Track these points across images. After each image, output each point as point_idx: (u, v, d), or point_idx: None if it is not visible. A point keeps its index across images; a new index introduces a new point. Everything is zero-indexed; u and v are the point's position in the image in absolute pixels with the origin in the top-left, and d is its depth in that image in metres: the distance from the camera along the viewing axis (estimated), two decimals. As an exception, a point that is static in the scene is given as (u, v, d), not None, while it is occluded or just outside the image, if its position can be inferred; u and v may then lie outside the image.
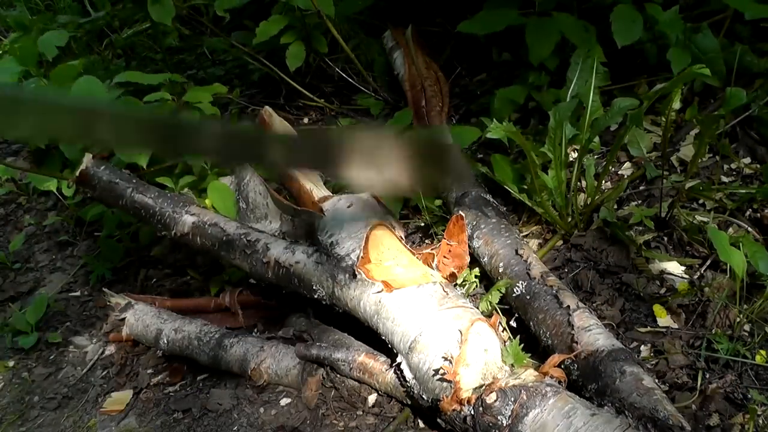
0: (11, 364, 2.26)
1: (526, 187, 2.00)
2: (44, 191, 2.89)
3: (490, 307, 1.70)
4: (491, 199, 1.99)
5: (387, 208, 1.92)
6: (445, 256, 1.76)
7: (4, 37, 3.70)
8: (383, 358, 1.68)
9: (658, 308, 1.69)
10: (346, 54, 2.75)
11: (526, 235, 2.02)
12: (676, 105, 1.67)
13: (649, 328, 1.66)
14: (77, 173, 2.24)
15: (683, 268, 1.77)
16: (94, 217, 2.59)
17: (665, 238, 1.85)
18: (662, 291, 1.74)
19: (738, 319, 1.57)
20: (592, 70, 1.95)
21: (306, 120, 2.98)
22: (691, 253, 1.80)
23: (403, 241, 1.73)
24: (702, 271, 1.74)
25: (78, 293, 2.53)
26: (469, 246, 1.87)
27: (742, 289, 1.57)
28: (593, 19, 2.21)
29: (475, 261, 1.86)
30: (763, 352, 1.51)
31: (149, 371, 2.04)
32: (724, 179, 1.99)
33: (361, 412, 1.68)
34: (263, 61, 2.88)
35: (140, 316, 2.10)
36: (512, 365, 1.44)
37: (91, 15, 3.85)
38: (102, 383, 2.07)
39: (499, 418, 1.32)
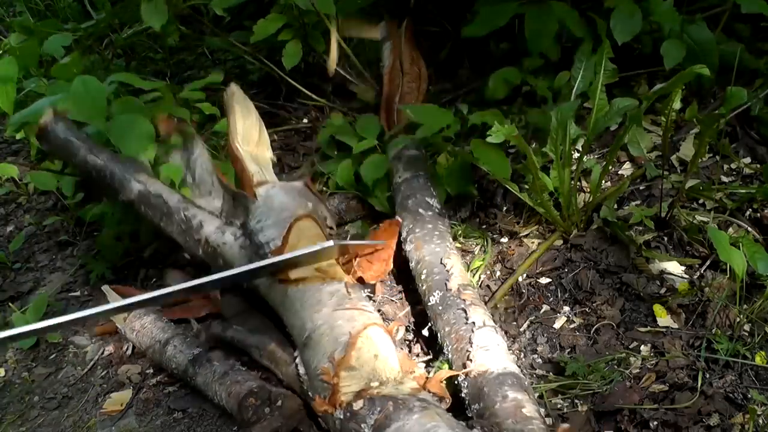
0: (11, 364, 2.26)
1: (527, 186, 2.00)
2: (44, 191, 2.90)
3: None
4: (435, 204, 1.98)
5: (320, 197, 1.93)
6: (368, 260, 1.75)
7: (4, 37, 3.69)
8: (291, 350, 1.67)
9: (658, 308, 1.69)
10: (345, 52, 2.74)
11: (526, 235, 2.02)
12: (677, 105, 1.67)
13: (649, 328, 1.66)
14: (37, 128, 2.23)
15: (683, 268, 1.77)
16: (94, 217, 2.58)
17: (665, 238, 1.85)
18: (662, 291, 1.73)
19: (738, 319, 1.57)
20: (598, 67, 1.92)
21: (306, 120, 2.97)
22: (691, 253, 1.80)
23: (327, 234, 1.72)
24: (702, 271, 1.74)
25: (78, 293, 2.53)
26: (402, 249, 1.88)
27: (742, 289, 1.57)
28: (592, 10, 2.20)
29: (405, 263, 1.87)
30: (763, 352, 1.51)
31: (149, 371, 2.04)
32: (724, 179, 1.99)
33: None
34: (263, 60, 2.88)
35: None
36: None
37: (91, 15, 3.85)
38: (102, 383, 2.07)
39: (362, 426, 1.33)
